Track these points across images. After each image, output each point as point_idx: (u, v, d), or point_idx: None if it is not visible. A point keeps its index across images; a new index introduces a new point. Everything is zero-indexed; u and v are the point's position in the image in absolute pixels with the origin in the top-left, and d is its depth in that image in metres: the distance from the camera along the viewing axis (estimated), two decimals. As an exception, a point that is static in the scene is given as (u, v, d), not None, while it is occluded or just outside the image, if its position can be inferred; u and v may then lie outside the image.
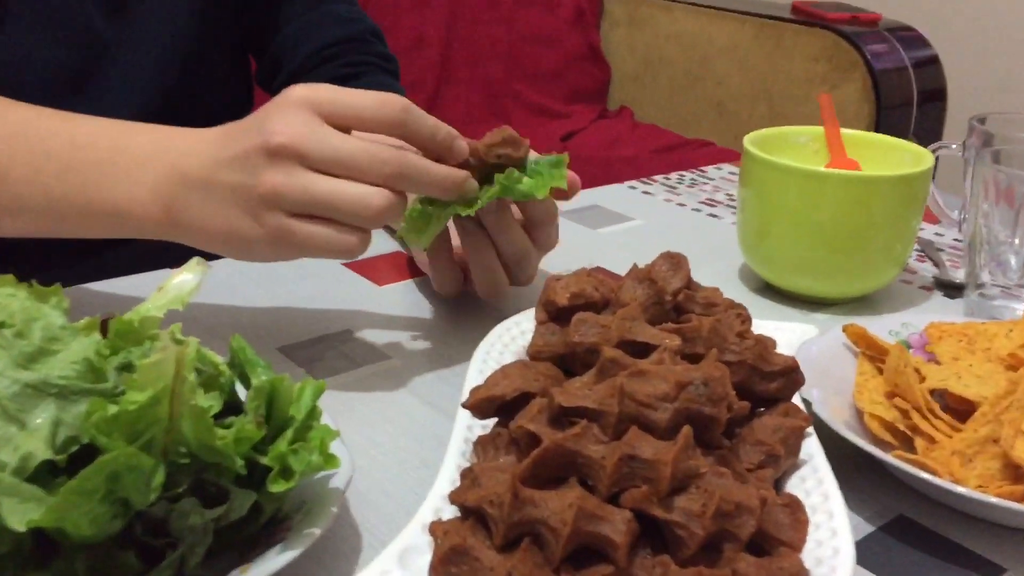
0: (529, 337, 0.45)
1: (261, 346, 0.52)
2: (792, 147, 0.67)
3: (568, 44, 1.80)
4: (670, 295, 0.42)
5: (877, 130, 1.39)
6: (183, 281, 0.37)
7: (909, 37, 1.49)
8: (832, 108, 0.68)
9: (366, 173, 0.46)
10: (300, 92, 0.46)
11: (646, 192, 0.82)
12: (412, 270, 0.64)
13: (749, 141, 0.62)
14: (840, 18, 1.49)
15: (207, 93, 0.74)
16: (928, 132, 1.50)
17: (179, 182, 0.48)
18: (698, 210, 0.78)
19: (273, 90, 0.80)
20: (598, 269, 0.65)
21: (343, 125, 0.47)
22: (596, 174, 1.38)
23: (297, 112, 0.46)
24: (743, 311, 0.41)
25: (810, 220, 0.57)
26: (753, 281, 0.64)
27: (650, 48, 1.79)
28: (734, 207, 0.78)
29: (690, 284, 0.43)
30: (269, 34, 0.81)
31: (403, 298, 0.59)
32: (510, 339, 0.47)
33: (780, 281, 0.61)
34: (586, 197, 0.80)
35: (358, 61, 0.81)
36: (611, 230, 0.73)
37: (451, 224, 0.53)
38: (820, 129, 0.68)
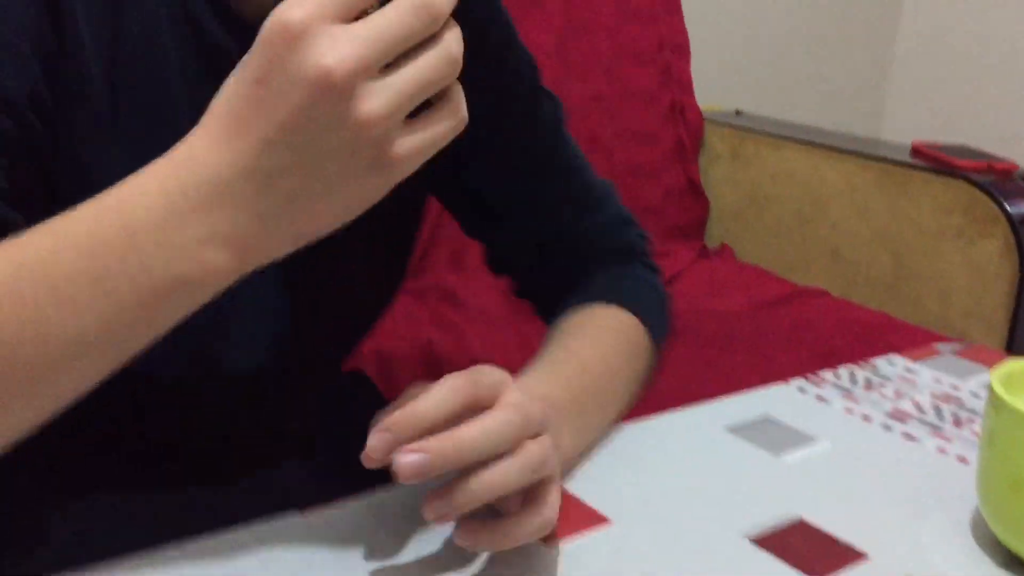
0: None
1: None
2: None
3: (667, 178, 1.72)
4: None
5: (1021, 288, 1.26)
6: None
7: (1049, 188, 1.38)
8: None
9: (423, 30, 0.40)
10: (296, 15, 0.38)
11: (820, 397, 0.71)
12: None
13: (997, 379, 0.51)
14: (974, 167, 1.38)
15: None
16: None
17: (233, 207, 0.40)
18: (888, 428, 0.66)
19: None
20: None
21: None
22: (709, 332, 1.27)
23: (316, 34, 0.38)
24: None
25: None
26: (999, 554, 0.51)
27: (755, 185, 1.70)
28: (927, 423, 0.67)
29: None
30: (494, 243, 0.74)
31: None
32: None
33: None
34: (752, 404, 0.69)
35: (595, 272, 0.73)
36: (797, 457, 0.61)
37: None
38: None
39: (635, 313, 0.68)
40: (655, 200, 1.70)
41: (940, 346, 0.84)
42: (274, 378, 0.64)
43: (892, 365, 0.79)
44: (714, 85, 1.94)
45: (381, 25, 0.39)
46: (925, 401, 0.72)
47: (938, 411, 0.70)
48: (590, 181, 0.74)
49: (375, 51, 0.39)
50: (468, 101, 0.44)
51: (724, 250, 1.73)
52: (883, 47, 2.32)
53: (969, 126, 2.07)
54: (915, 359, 0.80)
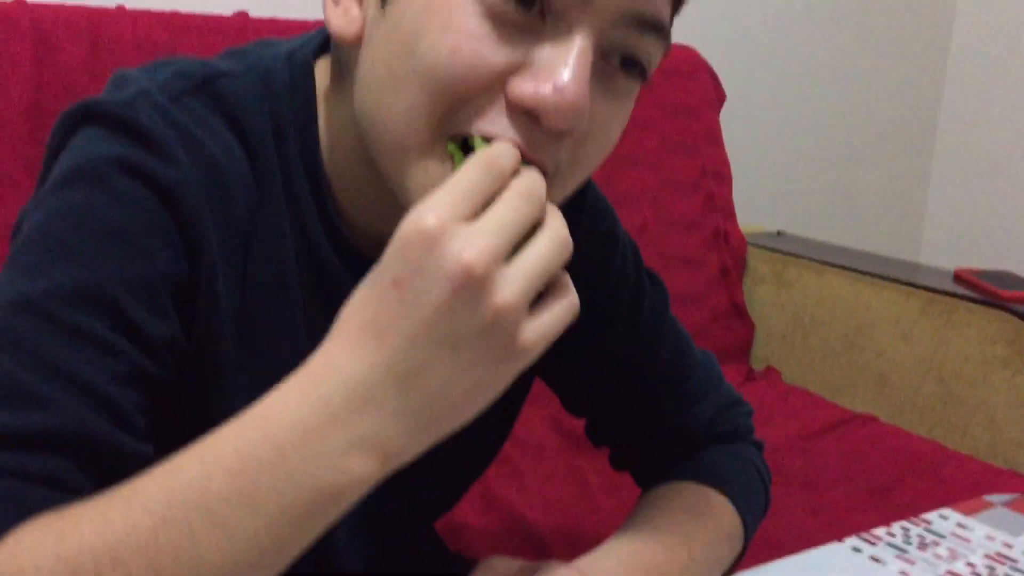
0: None
1: None
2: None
3: (712, 302, 1.75)
4: None
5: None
6: None
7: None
8: None
9: (533, 215, 0.45)
10: (431, 219, 0.43)
11: (875, 558, 0.73)
12: None
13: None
14: (1016, 297, 1.41)
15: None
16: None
17: (376, 410, 0.43)
18: (944, 592, 0.68)
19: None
20: None
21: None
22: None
23: (452, 234, 0.42)
24: None
25: None
26: None
27: (799, 309, 1.73)
28: (984, 587, 0.69)
29: None
30: (602, 428, 0.79)
31: None
32: None
33: None
34: (808, 566, 0.71)
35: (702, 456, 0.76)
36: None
37: None
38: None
39: (730, 497, 0.71)
40: (701, 323, 1.73)
41: (992, 498, 0.86)
42: (377, 548, 0.68)
43: (945, 520, 0.81)
44: (756, 206, 1.99)
45: (502, 217, 0.43)
46: (979, 562, 0.73)
47: (992, 572, 0.72)
48: (693, 364, 0.76)
49: (503, 241, 0.43)
50: (578, 289, 0.48)
51: (770, 372, 1.75)
52: (921, 168, 2.37)
53: (1012, 249, 2.09)
54: (968, 513, 0.82)
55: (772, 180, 2.14)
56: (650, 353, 0.74)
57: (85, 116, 0.54)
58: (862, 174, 2.28)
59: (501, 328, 0.43)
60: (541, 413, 1.29)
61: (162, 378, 0.53)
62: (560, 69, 0.49)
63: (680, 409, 0.74)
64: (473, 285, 0.42)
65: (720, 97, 1.82)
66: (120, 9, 1.18)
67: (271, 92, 0.59)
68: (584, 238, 0.68)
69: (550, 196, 0.49)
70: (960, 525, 0.80)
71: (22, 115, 1.05)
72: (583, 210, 0.70)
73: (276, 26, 1.27)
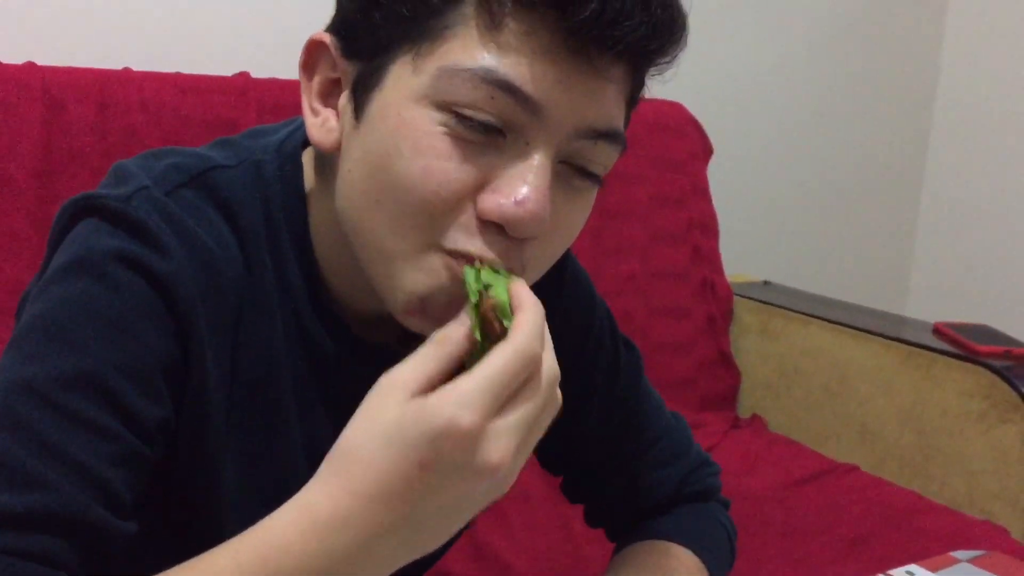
0: None
1: None
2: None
3: (699, 351, 1.79)
4: None
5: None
6: None
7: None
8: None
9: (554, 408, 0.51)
10: (467, 420, 0.46)
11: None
12: None
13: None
14: (992, 352, 1.45)
15: None
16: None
17: (374, 565, 0.49)
18: (907, 648, 0.72)
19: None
20: None
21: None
22: (743, 516, 1.32)
23: (485, 436, 0.47)
24: None
25: None
26: None
27: (784, 359, 1.77)
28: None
29: None
30: (579, 489, 0.83)
31: None
32: None
33: None
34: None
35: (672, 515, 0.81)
36: None
37: None
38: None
39: (698, 553, 0.75)
40: (688, 372, 1.77)
41: (959, 554, 0.89)
42: None
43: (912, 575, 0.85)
44: (744, 255, 2.03)
45: (528, 415, 0.48)
46: (942, 618, 0.77)
47: (954, 628, 0.76)
48: (665, 428, 0.81)
49: (526, 436, 0.48)
50: (559, 358, 0.52)
51: (755, 421, 1.78)
52: (906, 220, 2.41)
53: (993, 304, 2.13)
54: (934, 570, 0.85)
55: (759, 230, 2.19)
56: (625, 418, 0.78)
57: (86, 208, 0.57)
58: (849, 225, 2.32)
59: (498, 483, 0.49)
60: (528, 460, 1.32)
61: (153, 458, 0.56)
62: (520, 186, 0.54)
63: (652, 471, 0.79)
64: (495, 478, 0.48)
65: (707, 150, 1.87)
66: (127, 71, 1.22)
67: (262, 182, 0.63)
68: (564, 311, 0.72)
69: None
70: (926, 582, 0.83)
71: (32, 175, 1.09)
72: (563, 283, 0.74)
73: (276, 85, 1.32)
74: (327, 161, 0.63)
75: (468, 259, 0.55)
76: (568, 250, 0.69)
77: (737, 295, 1.86)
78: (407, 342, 0.59)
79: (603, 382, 0.77)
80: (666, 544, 0.75)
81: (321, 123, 0.61)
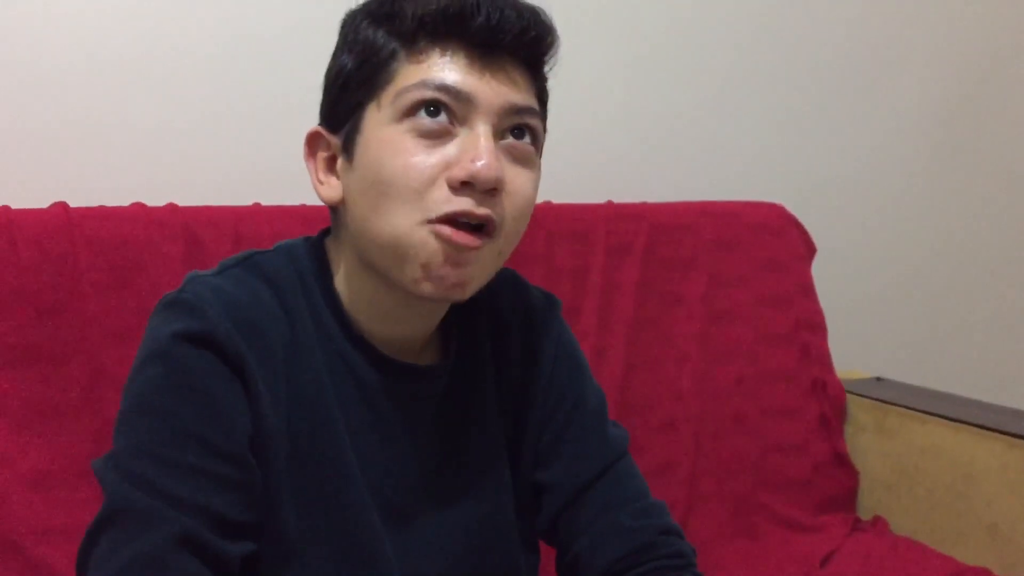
0: None
1: None
2: None
3: (814, 452, 1.77)
4: None
5: None
6: None
7: None
8: None
9: None
10: None
11: None
12: None
13: None
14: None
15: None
16: None
17: None
18: None
19: None
20: None
21: None
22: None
23: None
24: None
25: None
26: None
27: (903, 458, 1.73)
28: None
29: None
30: (566, 540, 0.86)
31: None
32: None
33: None
34: None
35: (648, 570, 0.86)
36: None
37: None
38: None
39: None
40: (804, 474, 1.75)
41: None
42: None
43: None
44: (854, 351, 2.01)
45: None
46: None
47: None
48: (646, 490, 0.92)
49: None
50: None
51: (878, 522, 1.74)
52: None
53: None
54: None
55: (869, 325, 2.16)
56: (604, 464, 0.92)
57: (157, 306, 0.78)
58: (962, 316, 2.27)
59: None
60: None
61: (249, 480, 0.73)
62: (473, 150, 0.75)
63: (635, 517, 0.88)
64: None
65: (810, 250, 1.87)
66: (256, 206, 1.32)
67: (295, 259, 0.85)
68: (549, 375, 0.95)
69: (499, 246, 0.78)
70: None
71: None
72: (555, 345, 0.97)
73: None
74: (338, 219, 0.83)
75: (451, 220, 0.74)
76: (569, 331, 0.98)
77: (849, 392, 1.84)
78: (426, 359, 0.86)
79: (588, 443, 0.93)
80: None
81: (328, 186, 0.82)
